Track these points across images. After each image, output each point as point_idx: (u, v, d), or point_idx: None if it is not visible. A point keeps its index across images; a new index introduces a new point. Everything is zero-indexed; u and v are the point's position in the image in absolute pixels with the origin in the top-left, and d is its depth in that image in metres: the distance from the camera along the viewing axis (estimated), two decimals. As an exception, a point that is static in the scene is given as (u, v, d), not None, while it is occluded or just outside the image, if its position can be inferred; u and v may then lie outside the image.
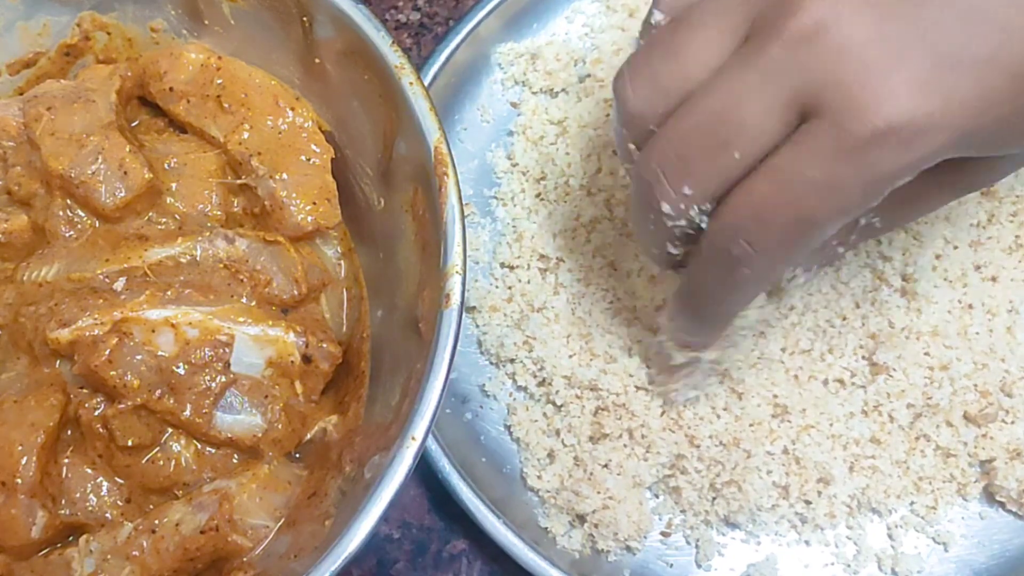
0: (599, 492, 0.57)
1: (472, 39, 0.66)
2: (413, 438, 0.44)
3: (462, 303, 0.46)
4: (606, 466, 0.58)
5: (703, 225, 0.44)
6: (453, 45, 0.65)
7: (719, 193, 0.42)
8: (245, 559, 0.48)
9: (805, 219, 0.40)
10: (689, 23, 0.43)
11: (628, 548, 0.58)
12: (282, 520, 0.50)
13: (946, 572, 0.57)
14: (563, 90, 0.68)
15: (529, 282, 0.63)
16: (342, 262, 0.57)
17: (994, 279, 0.59)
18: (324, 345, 0.52)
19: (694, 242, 0.46)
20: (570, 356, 0.60)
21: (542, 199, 0.65)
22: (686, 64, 0.42)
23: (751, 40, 0.41)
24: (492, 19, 0.67)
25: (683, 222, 0.44)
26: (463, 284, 0.47)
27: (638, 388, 0.58)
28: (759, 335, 0.58)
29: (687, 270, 0.48)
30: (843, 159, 0.39)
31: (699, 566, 0.58)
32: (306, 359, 0.52)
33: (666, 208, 0.44)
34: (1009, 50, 0.39)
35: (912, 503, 0.58)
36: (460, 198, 0.48)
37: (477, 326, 0.63)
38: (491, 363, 0.63)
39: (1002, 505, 0.59)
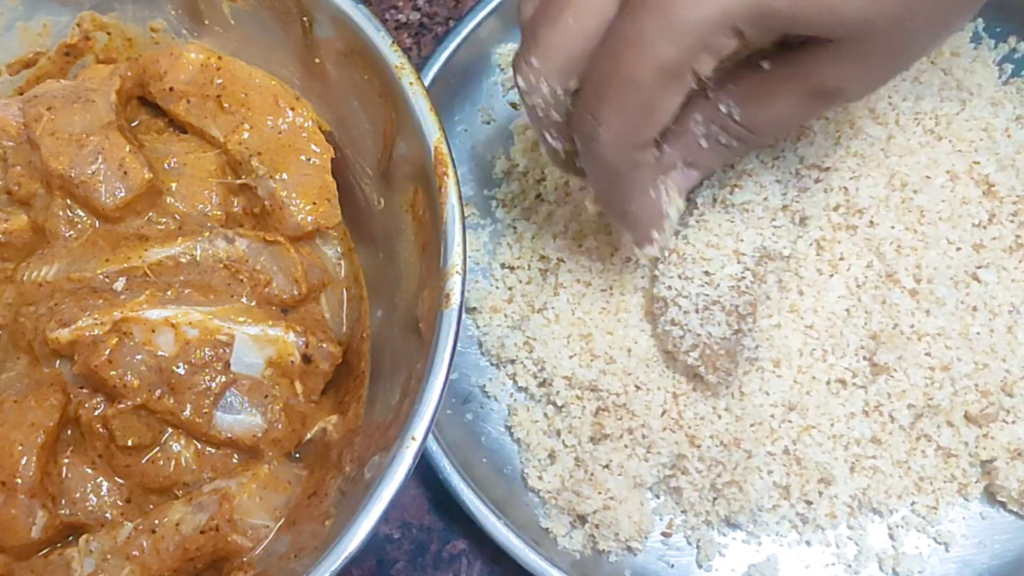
0: (600, 493, 0.57)
1: (472, 40, 0.66)
2: (413, 438, 0.44)
3: (462, 303, 0.46)
4: (607, 467, 0.58)
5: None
6: (453, 46, 0.65)
7: (563, 69, 0.45)
8: (245, 559, 0.48)
9: (626, 76, 0.43)
10: None
11: (629, 549, 0.58)
12: (282, 520, 0.50)
13: (947, 572, 0.58)
14: (563, 91, 0.68)
15: (529, 283, 0.63)
16: (342, 262, 0.57)
17: (996, 279, 0.59)
18: (324, 345, 0.52)
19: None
20: (570, 357, 0.60)
21: (542, 200, 0.65)
22: None
23: None
24: (492, 20, 0.67)
25: (538, 100, 0.47)
26: (463, 284, 0.47)
27: (638, 388, 0.58)
28: (768, 342, 0.58)
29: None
30: (647, 12, 0.41)
31: (700, 566, 0.58)
32: (306, 359, 0.52)
33: (520, 83, 0.47)
34: None
35: (913, 503, 0.58)
36: (460, 198, 0.48)
37: (478, 327, 0.63)
38: (492, 364, 0.63)
39: (1003, 505, 0.59)
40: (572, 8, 0.44)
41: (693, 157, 0.51)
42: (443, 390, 0.45)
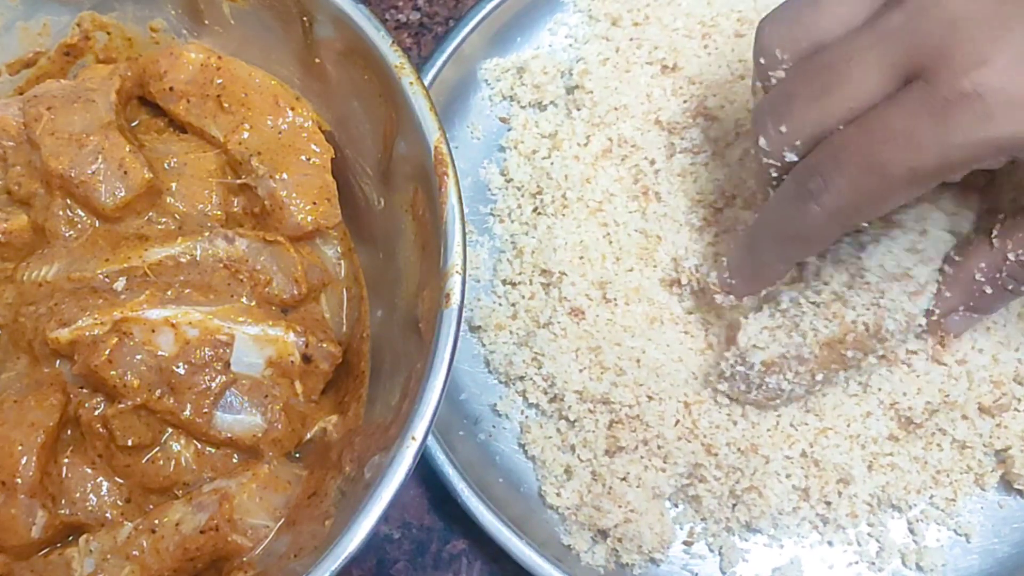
0: (620, 506, 0.56)
1: (457, 57, 0.66)
2: (413, 438, 0.44)
3: (462, 303, 0.46)
4: (624, 479, 0.57)
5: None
6: (439, 64, 0.65)
7: (810, 140, 0.44)
8: (245, 559, 0.48)
9: (876, 165, 0.42)
10: None
11: (652, 560, 0.57)
12: (282, 520, 0.49)
13: (969, 563, 0.57)
14: (552, 103, 0.67)
15: (533, 298, 0.62)
16: (342, 262, 0.57)
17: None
18: (324, 345, 0.52)
19: None
20: (580, 370, 0.59)
21: (540, 213, 0.64)
22: (822, 17, 0.45)
23: (883, 6, 0.43)
24: (476, 36, 0.66)
25: (775, 162, 0.47)
26: (463, 284, 0.47)
27: (651, 399, 0.57)
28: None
29: (762, 208, 0.50)
30: (926, 115, 0.40)
31: (724, 573, 0.57)
32: (306, 359, 0.51)
33: (762, 142, 0.46)
34: None
35: (931, 496, 0.57)
36: (460, 198, 0.48)
37: (484, 345, 0.62)
38: (501, 382, 0.62)
39: (1020, 493, 0.58)
40: (840, 90, 0.43)
41: (976, 302, 0.52)
42: (443, 390, 0.45)
